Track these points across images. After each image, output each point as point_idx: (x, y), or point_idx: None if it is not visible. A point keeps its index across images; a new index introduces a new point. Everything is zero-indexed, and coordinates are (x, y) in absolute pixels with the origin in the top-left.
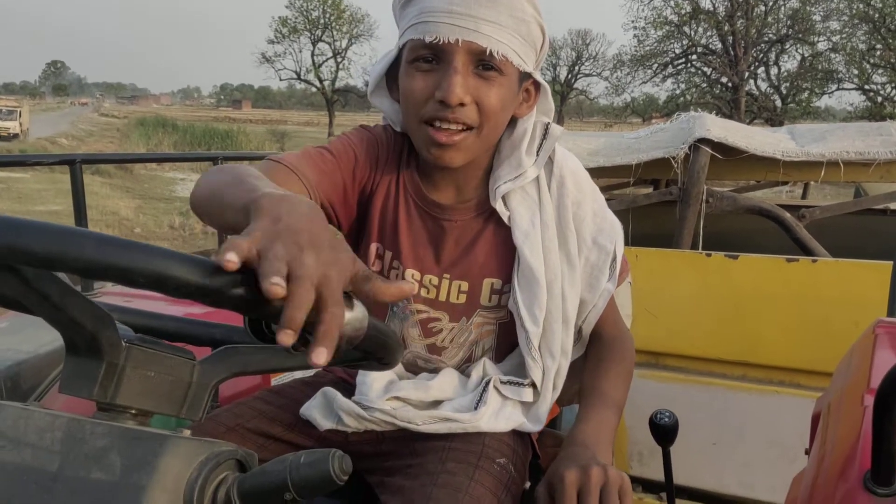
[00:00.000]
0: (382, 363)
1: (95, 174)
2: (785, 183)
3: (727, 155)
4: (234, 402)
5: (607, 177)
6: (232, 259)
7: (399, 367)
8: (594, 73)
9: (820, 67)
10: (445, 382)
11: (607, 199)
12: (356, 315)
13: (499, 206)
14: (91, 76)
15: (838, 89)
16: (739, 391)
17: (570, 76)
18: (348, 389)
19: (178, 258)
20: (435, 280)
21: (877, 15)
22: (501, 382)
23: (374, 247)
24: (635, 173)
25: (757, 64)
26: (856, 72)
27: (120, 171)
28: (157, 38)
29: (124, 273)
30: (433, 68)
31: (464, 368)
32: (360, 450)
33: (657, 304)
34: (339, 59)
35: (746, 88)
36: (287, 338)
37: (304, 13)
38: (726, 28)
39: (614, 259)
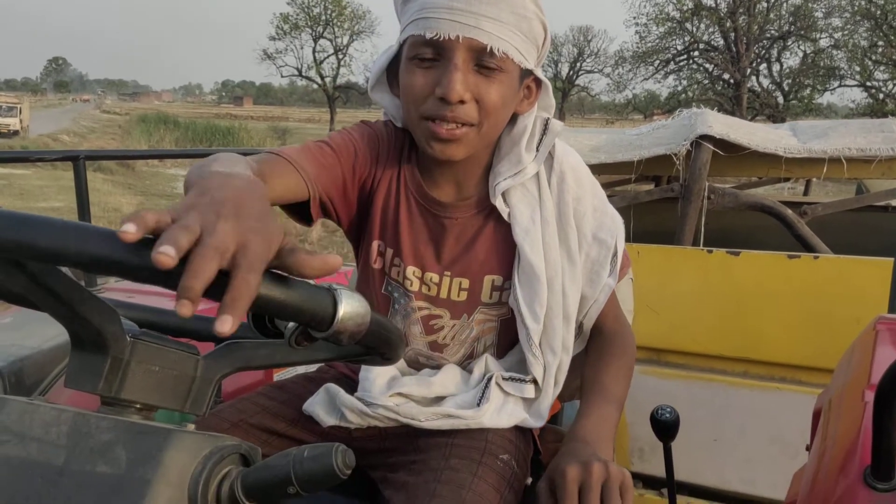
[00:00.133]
0: (385, 358)
1: (97, 171)
2: (787, 180)
3: (729, 151)
4: (237, 397)
5: (609, 173)
6: (129, 230)
7: (401, 364)
8: (596, 70)
9: (822, 64)
10: (448, 379)
11: (609, 196)
12: (358, 310)
13: (499, 202)
14: (92, 73)
15: (840, 86)
16: (741, 387)
17: (571, 73)
18: (351, 385)
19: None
20: (436, 278)
21: (878, 12)
22: (503, 379)
23: (375, 244)
24: (637, 170)
25: (759, 60)
26: (858, 68)
27: (122, 168)
28: (159, 34)
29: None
30: (433, 65)
31: (465, 365)
32: (363, 446)
33: (659, 301)
34: (341, 56)
35: (748, 85)
36: (182, 308)
37: (306, 10)
38: (728, 24)
39: (615, 254)
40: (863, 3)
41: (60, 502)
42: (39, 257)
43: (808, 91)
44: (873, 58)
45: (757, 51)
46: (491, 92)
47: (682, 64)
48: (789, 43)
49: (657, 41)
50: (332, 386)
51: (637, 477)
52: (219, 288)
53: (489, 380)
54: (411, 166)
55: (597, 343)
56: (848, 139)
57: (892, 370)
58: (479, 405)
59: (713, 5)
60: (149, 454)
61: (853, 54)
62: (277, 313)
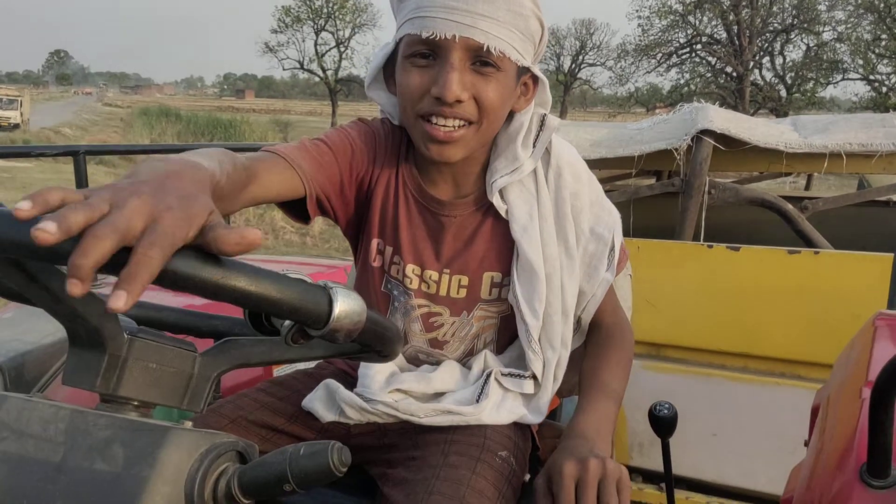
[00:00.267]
0: (382, 355)
1: (100, 164)
2: (788, 174)
3: (730, 146)
4: (236, 393)
5: (610, 168)
6: (23, 207)
7: (401, 360)
8: (598, 63)
9: (825, 57)
10: (447, 375)
11: (609, 191)
12: (354, 308)
13: (496, 200)
14: (94, 66)
15: (843, 79)
16: (740, 382)
17: (573, 66)
18: (350, 381)
19: None
20: (435, 275)
21: (882, 5)
22: (502, 375)
23: (374, 242)
24: (637, 164)
25: (762, 54)
26: (861, 62)
27: (124, 162)
28: (161, 27)
29: None
30: (430, 63)
31: (465, 361)
32: (362, 442)
33: (658, 296)
34: (343, 49)
35: (751, 78)
36: (71, 287)
37: (308, 2)
38: (731, 17)
39: (612, 248)
40: None
41: (58, 499)
42: None
43: (811, 84)
44: (877, 51)
45: (760, 44)
46: (489, 91)
47: (684, 57)
48: (792, 36)
49: (660, 34)
50: (332, 382)
51: (637, 471)
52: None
53: (488, 376)
54: (409, 164)
55: (595, 338)
56: (849, 134)
57: (888, 368)
58: (478, 401)
59: None
60: (146, 451)
61: (856, 47)
62: (273, 311)
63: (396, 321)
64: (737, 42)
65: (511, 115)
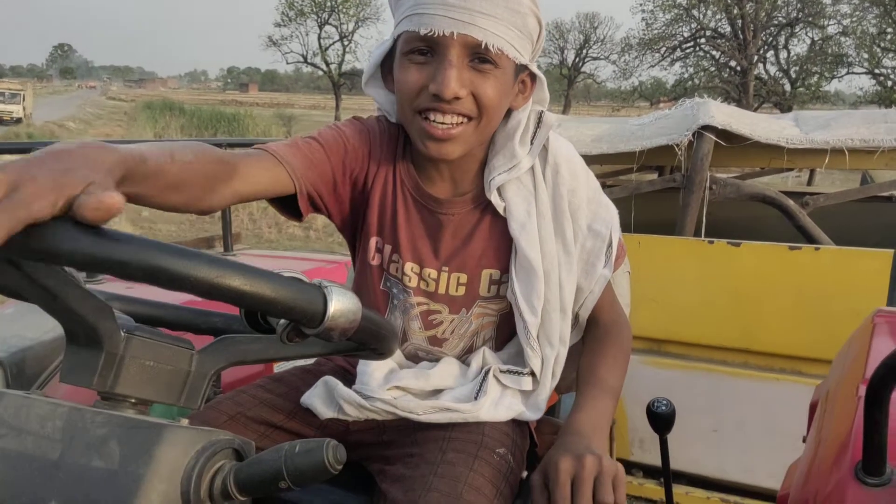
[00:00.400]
0: (378, 353)
1: None
2: (790, 169)
3: (731, 142)
4: (235, 389)
5: (611, 163)
6: None
7: (400, 357)
8: (602, 57)
9: (830, 51)
10: (445, 371)
11: (611, 186)
12: (349, 307)
13: (494, 197)
14: (98, 59)
15: (848, 73)
16: (740, 378)
17: (577, 60)
18: (349, 378)
19: None
20: (434, 273)
21: None
22: (501, 371)
23: (373, 241)
24: (639, 160)
25: (766, 47)
26: (866, 55)
27: None
28: (165, 21)
29: None
30: (428, 60)
31: (464, 358)
32: (360, 439)
33: (659, 292)
34: (346, 43)
35: (755, 72)
36: None
37: None
38: (735, 11)
39: (610, 245)
40: None
41: (55, 496)
42: None
43: (815, 78)
44: (882, 45)
45: (764, 38)
46: (487, 88)
47: (688, 51)
48: (797, 30)
49: (663, 28)
50: (331, 379)
51: (637, 466)
52: None
53: (487, 373)
54: (406, 163)
55: (593, 334)
56: (851, 129)
57: (884, 366)
58: (476, 398)
59: None
60: (142, 449)
61: (861, 41)
62: (268, 311)
63: (396, 319)
64: (741, 36)
65: (508, 113)
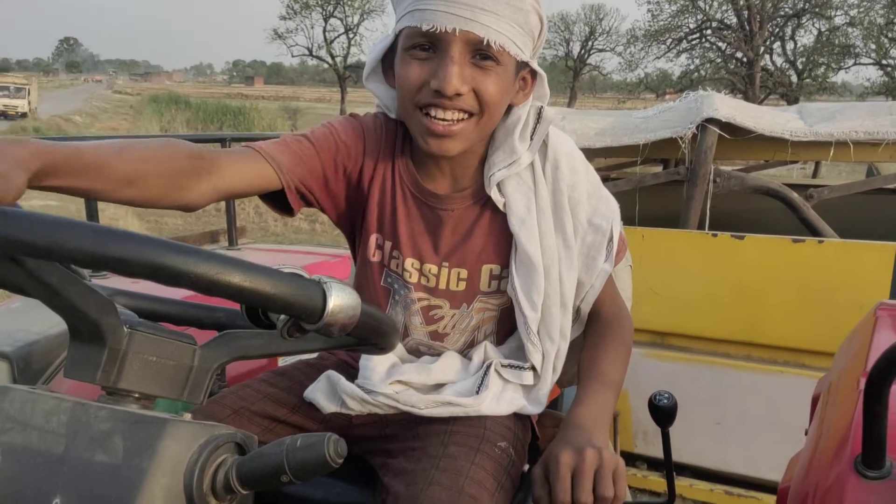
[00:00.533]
0: (379, 348)
1: None
2: (795, 162)
3: (735, 135)
4: (239, 383)
5: (615, 156)
6: None
7: (402, 351)
8: (607, 49)
9: (837, 42)
10: (447, 366)
11: (615, 179)
12: (348, 303)
13: (494, 193)
14: (104, 53)
15: (855, 64)
16: (744, 371)
17: (583, 51)
18: (352, 373)
19: None
20: (434, 269)
21: None
22: (502, 366)
23: (373, 237)
24: (642, 153)
25: (772, 39)
26: (873, 46)
27: None
28: (170, 14)
29: None
30: (430, 56)
31: (465, 352)
32: (363, 433)
33: (662, 284)
34: (351, 35)
35: (762, 64)
36: None
37: None
38: (742, 2)
39: (611, 239)
40: None
41: (60, 490)
42: None
43: (822, 69)
44: (889, 35)
45: (771, 29)
46: (488, 84)
47: (694, 42)
48: (804, 20)
49: (669, 19)
50: (333, 373)
51: (641, 459)
52: None
53: (488, 367)
54: (405, 159)
55: (594, 328)
56: (855, 122)
57: (883, 359)
58: (478, 393)
59: None
60: (145, 443)
61: (869, 32)
62: (267, 306)
63: (397, 315)
64: (747, 27)
65: (509, 109)
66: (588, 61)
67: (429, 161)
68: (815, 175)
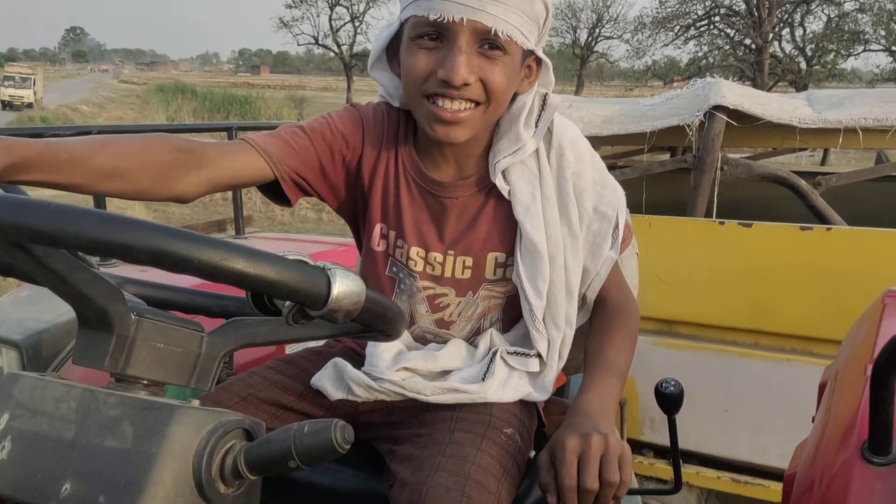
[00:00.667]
0: (385, 335)
1: None
2: (803, 149)
3: (743, 122)
4: (247, 370)
5: (622, 144)
6: None
7: (408, 339)
8: (615, 36)
9: (846, 28)
10: (453, 353)
11: (622, 167)
12: (353, 289)
13: (499, 181)
14: (110, 42)
15: (865, 50)
16: (751, 359)
17: (590, 39)
18: (359, 360)
19: None
20: (439, 257)
21: None
22: (508, 353)
23: (378, 227)
24: (650, 141)
25: (781, 25)
26: (883, 32)
27: None
28: (176, 3)
29: None
30: (437, 46)
31: (471, 340)
32: (370, 419)
33: (670, 272)
34: (357, 24)
35: (770, 50)
36: None
37: None
38: None
39: (616, 226)
40: None
41: (70, 475)
42: None
43: (831, 56)
44: None
45: (779, 15)
46: (496, 74)
47: (702, 29)
48: (813, 7)
49: (677, 6)
50: (340, 360)
51: (648, 446)
52: None
53: (494, 354)
54: (409, 147)
55: (600, 315)
56: (864, 109)
57: (890, 346)
58: (483, 380)
59: None
60: (154, 429)
61: (879, 18)
62: (272, 293)
63: (403, 303)
64: (756, 13)
65: (514, 97)
66: (595, 49)
67: (433, 149)
68: (823, 162)
